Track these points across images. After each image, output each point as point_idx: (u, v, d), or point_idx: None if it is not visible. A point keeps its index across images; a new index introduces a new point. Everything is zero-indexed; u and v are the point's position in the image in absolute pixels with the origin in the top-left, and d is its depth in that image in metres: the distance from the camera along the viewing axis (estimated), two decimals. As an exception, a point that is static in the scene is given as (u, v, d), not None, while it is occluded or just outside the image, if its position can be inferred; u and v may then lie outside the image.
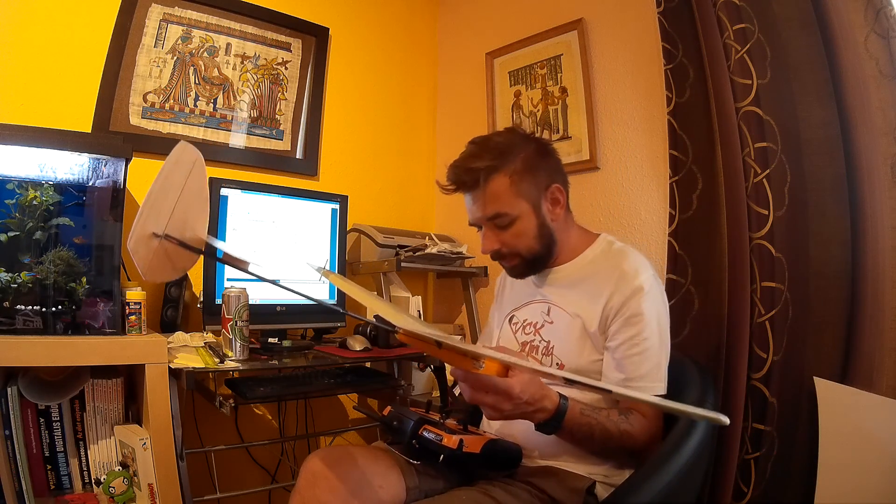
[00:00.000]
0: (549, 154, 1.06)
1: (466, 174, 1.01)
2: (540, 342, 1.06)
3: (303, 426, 1.73)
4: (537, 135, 1.86)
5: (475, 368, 0.77)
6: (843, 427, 1.09)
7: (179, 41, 1.66)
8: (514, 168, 0.99)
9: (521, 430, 0.96)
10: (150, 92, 1.60)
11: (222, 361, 1.24)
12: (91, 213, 1.24)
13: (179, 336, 1.34)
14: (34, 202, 1.15)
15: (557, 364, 1.02)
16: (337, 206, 1.70)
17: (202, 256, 0.75)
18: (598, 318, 0.98)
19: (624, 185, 1.67)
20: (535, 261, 1.05)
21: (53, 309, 1.14)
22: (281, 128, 1.86)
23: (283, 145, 1.86)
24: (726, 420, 0.50)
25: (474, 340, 1.85)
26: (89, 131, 1.48)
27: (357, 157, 2.05)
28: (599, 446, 0.92)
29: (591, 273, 1.03)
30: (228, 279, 1.46)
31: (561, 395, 0.87)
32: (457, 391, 1.01)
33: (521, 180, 1.00)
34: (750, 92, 1.28)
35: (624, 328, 0.95)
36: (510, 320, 1.15)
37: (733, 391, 1.25)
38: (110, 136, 1.50)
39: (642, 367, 0.93)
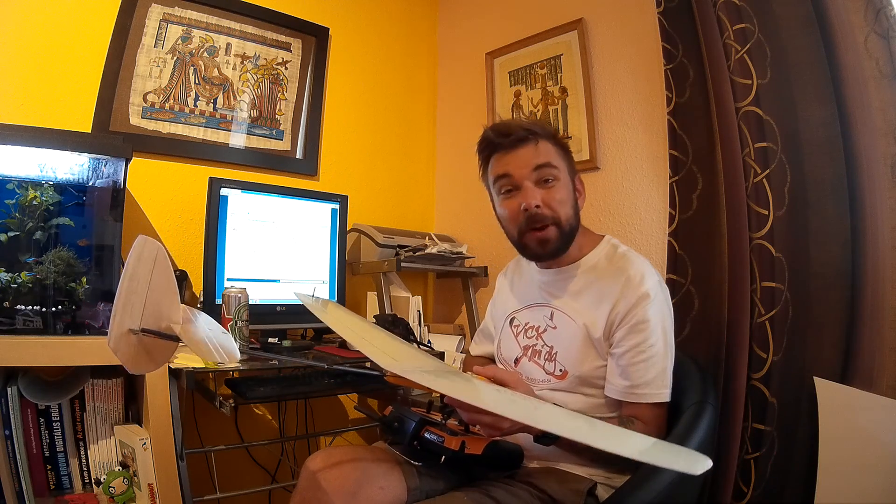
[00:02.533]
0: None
1: (521, 130, 1.02)
2: (542, 347, 1.05)
3: (303, 426, 1.73)
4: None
5: None
6: (843, 427, 1.09)
7: (179, 41, 1.66)
8: (558, 142, 1.05)
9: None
10: (150, 92, 1.60)
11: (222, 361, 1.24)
12: (91, 213, 1.24)
13: (179, 336, 1.34)
14: (34, 202, 1.15)
15: (561, 370, 1.02)
16: (337, 206, 1.70)
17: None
18: (604, 325, 0.97)
19: (624, 185, 1.67)
20: (566, 235, 1.02)
21: (53, 309, 1.14)
22: (281, 128, 1.86)
23: (283, 145, 1.86)
24: (709, 463, 0.49)
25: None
26: (89, 131, 1.48)
27: (357, 157, 2.05)
28: (601, 453, 0.91)
29: (595, 278, 1.02)
30: (228, 279, 1.46)
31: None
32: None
33: (564, 154, 1.05)
34: (750, 92, 1.28)
35: (629, 335, 0.94)
36: (511, 322, 1.14)
37: (733, 391, 1.25)
38: (110, 136, 1.50)
39: (647, 374, 0.93)
